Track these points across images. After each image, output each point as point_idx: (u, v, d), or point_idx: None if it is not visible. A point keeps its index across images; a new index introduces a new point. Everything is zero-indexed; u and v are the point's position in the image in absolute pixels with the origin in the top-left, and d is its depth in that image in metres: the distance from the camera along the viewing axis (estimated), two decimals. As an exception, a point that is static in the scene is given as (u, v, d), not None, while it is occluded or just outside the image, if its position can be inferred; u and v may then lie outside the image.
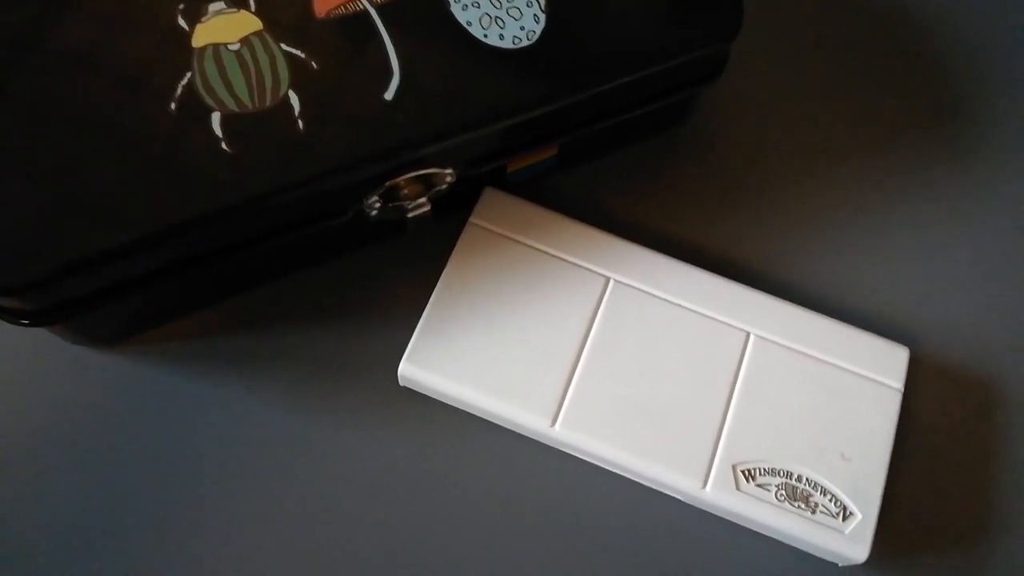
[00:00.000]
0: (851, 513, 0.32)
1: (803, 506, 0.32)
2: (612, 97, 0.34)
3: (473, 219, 0.36)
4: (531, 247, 0.36)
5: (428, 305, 0.34)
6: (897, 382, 0.34)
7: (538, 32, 0.33)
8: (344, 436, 0.35)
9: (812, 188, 0.40)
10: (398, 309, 0.36)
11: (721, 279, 0.36)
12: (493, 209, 0.36)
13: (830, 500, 0.32)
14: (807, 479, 0.33)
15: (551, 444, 0.34)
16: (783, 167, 0.40)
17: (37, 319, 0.31)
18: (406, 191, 0.33)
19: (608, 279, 0.35)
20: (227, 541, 0.33)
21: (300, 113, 0.31)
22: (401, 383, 0.34)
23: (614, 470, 0.34)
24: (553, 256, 0.36)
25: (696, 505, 0.33)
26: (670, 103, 0.36)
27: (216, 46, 0.31)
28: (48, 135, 0.30)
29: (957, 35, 0.43)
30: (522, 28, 0.33)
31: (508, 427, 0.34)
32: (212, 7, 0.32)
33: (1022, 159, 0.41)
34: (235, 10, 0.32)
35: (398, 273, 0.37)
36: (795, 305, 0.35)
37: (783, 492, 0.32)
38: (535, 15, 0.33)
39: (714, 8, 0.34)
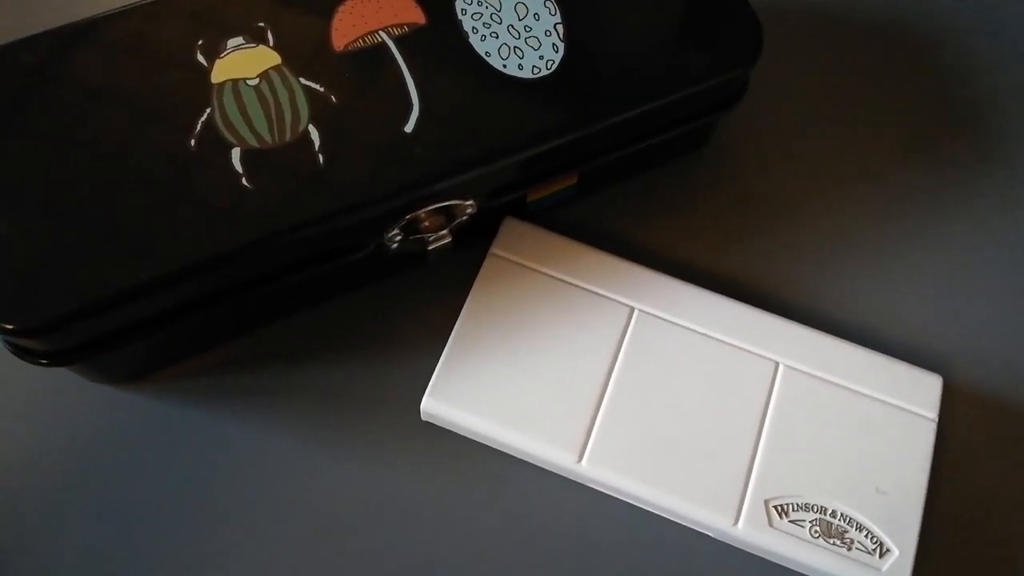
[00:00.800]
0: (888, 549, 0.31)
1: (838, 543, 0.31)
2: (632, 125, 0.34)
3: (494, 250, 0.35)
4: (553, 277, 0.35)
5: (450, 339, 0.34)
6: (931, 412, 0.33)
7: (557, 61, 0.33)
8: (365, 471, 0.34)
9: (836, 213, 0.39)
10: (419, 342, 0.36)
11: (747, 307, 0.35)
12: (514, 239, 0.36)
13: (866, 536, 0.31)
14: (842, 514, 0.32)
15: (578, 480, 0.33)
16: (806, 191, 0.40)
17: (56, 359, 0.30)
18: (427, 223, 0.33)
19: (632, 309, 0.35)
20: (245, 574, 0.32)
21: (320, 147, 0.30)
22: (423, 418, 0.34)
23: (643, 506, 0.33)
24: (576, 286, 0.35)
25: (727, 542, 0.32)
26: (690, 129, 0.36)
27: (235, 81, 0.31)
28: (67, 173, 0.30)
29: (980, 54, 0.43)
30: (541, 58, 0.33)
31: (533, 463, 0.33)
32: (231, 42, 0.32)
33: (1051, 180, 0.40)
34: (254, 45, 0.32)
35: (419, 305, 0.36)
36: (824, 333, 0.35)
37: (817, 528, 0.31)
38: (554, 44, 0.33)
39: (733, 34, 0.34)
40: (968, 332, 0.37)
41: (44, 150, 0.30)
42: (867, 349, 0.34)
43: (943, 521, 0.34)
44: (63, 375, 0.34)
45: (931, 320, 0.37)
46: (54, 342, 0.30)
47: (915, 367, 0.34)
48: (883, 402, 0.34)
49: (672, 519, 0.33)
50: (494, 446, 0.33)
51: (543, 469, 0.33)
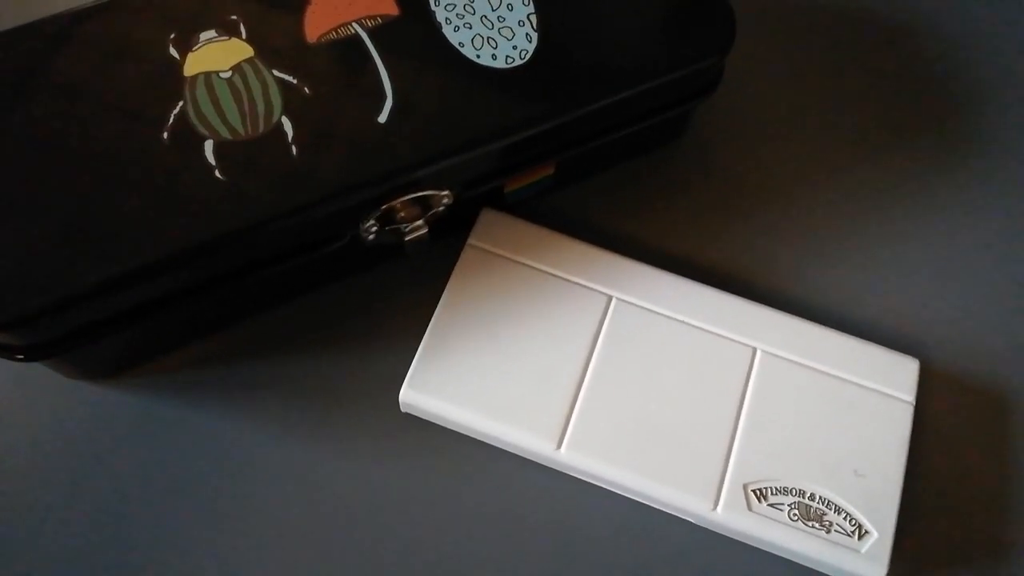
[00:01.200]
0: (867, 531, 0.31)
1: (817, 525, 0.31)
2: (607, 114, 0.34)
3: (472, 241, 0.35)
4: (531, 267, 0.35)
5: (428, 329, 0.34)
6: (908, 395, 0.34)
7: (530, 51, 0.33)
8: (345, 463, 0.34)
9: (813, 199, 0.39)
10: (397, 334, 0.36)
11: (725, 294, 0.35)
12: (492, 230, 0.36)
13: (845, 518, 0.32)
14: (820, 497, 0.32)
15: (557, 468, 0.33)
16: (783, 179, 0.40)
17: (32, 354, 0.30)
18: (403, 214, 0.33)
19: (610, 297, 0.35)
20: (227, 569, 0.32)
21: (293, 139, 0.30)
22: (403, 409, 0.34)
23: (622, 493, 0.33)
24: (554, 276, 0.35)
25: (707, 527, 0.33)
26: (666, 118, 0.36)
27: (208, 74, 0.31)
28: (38, 167, 0.30)
29: (957, 45, 0.43)
30: (514, 48, 0.33)
31: (513, 451, 0.33)
32: (203, 35, 0.32)
33: (1026, 165, 0.40)
34: (226, 38, 0.32)
35: (397, 297, 0.36)
36: (801, 319, 0.35)
37: (796, 511, 0.32)
38: (527, 34, 0.33)
39: (706, 23, 0.34)
40: (945, 316, 0.37)
41: (14, 145, 0.30)
42: (844, 334, 0.35)
43: (921, 503, 0.34)
44: (40, 371, 0.34)
45: (908, 305, 0.37)
46: (29, 336, 0.30)
47: (892, 351, 0.34)
48: (861, 386, 0.34)
49: (651, 505, 0.33)
50: (473, 436, 0.33)
51: (523, 458, 0.34)
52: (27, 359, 0.30)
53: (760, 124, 0.41)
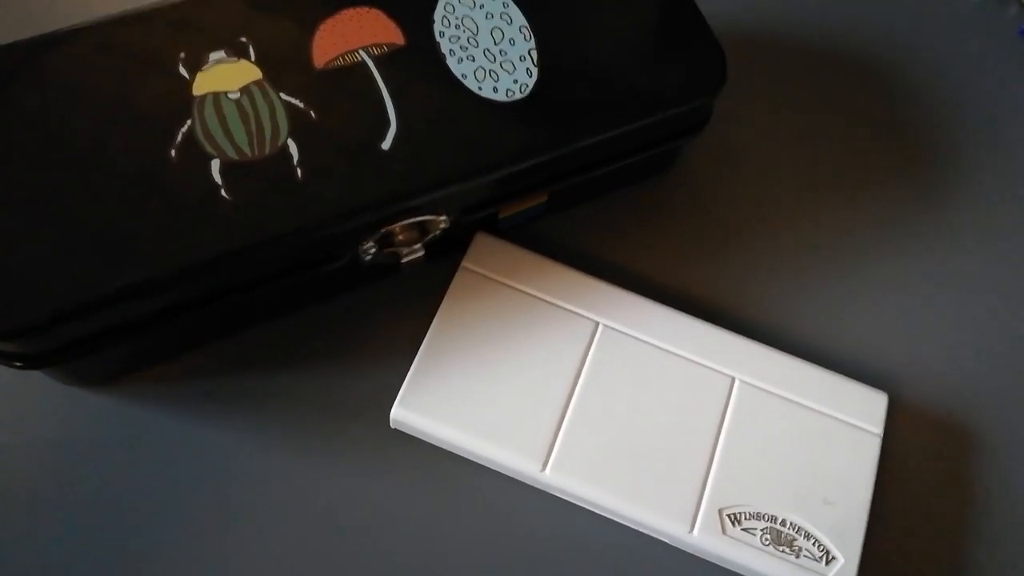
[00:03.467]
0: (834, 557, 0.33)
1: (787, 550, 0.33)
2: (600, 149, 0.35)
3: (465, 263, 0.36)
4: (522, 292, 0.36)
5: (420, 349, 0.35)
6: (876, 427, 0.35)
7: (530, 86, 0.34)
8: (335, 479, 0.35)
9: (793, 234, 0.41)
10: (390, 352, 0.37)
11: (707, 324, 0.37)
12: (485, 254, 0.37)
13: (813, 544, 0.33)
14: (791, 523, 0.33)
15: (541, 488, 0.34)
16: (765, 213, 0.42)
17: (31, 362, 0.31)
18: (401, 237, 0.34)
19: (597, 324, 0.36)
20: (215, 585, 0.33)
21: (299, 161, 0.31)
22: (393, 426, 0.35)
23: (603, 514, 0.34)
24: (544, 301, 0.36)
25: (683, 549, 0.34)
26: (656, 153, 0.38)
27: (216, 94, 0.32)
28: (47, 179, 0.30)
29: (938, 87, 0.45)
30: (515, 82, 0.34)
31: (499, 471, 0.34)
32: (213, 56, 0.33)
33: (998, 207, 0.42)
34: (236, 59, 0.33)
35: (390, 315, 0.37)
36: (778, 351, 0.36)
37: (768, 536, 0.33)
38: (528, 69, 0.34)
39: (699, 64, 0.36)
40: (913, 352, 0.39)
41: (24, 155, 0.30)
42: (818, 367, 0.36)
43: (886, 531, 0.36)
44: (36, 377, 0.35)
45: (879, 340, 0.39)
46: (30, 345, 0.30)
47: (862, 384, 0.36)
48: (832, 417, 0.35)
49: (631, 526, 0.34)
50: (462, 454, 0.35)
51: (509, 477, 0.35)
52: (26, 367, 0.31)
53: (745, 160, 0.43)
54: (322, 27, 0.34)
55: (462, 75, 0.34)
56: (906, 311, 0.40)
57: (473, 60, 0.34)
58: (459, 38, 0.34)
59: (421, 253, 0.35)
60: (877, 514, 0.35)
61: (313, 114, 0.32)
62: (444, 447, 0.35)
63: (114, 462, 0.34)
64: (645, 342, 0.36)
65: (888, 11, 0.47)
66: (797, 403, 0.35)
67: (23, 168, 0.30)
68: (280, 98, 0.32)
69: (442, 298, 0.36)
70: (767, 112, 0.44)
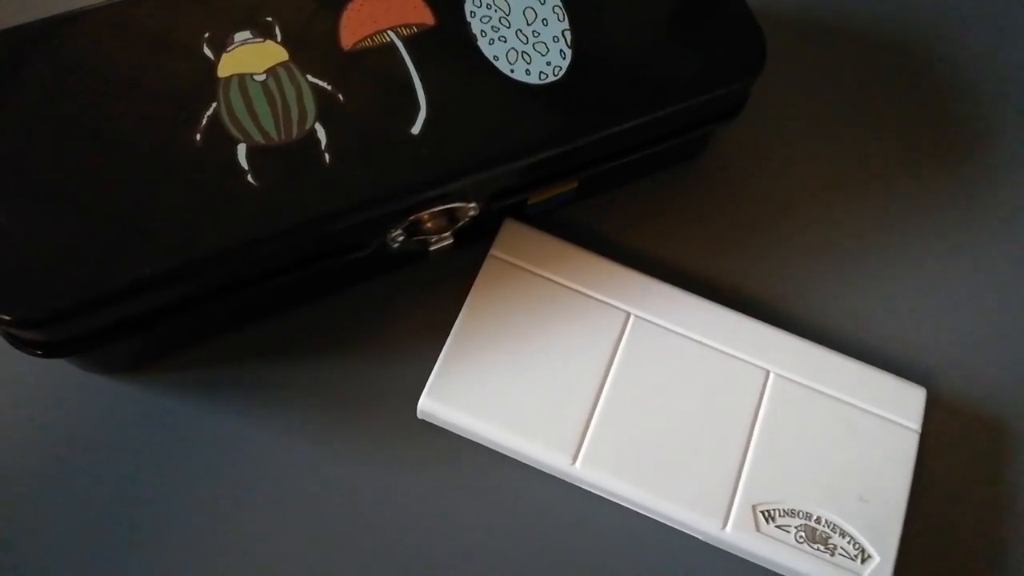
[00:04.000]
0: (869, 556, 0.32)
1: (822, 548, 0.32)
2: (635, 133, 0.34)
3: (494, 251, 0.36)
4: (552, 281, 0.35)
5: (448, 339, 0.34)
6: (914, 423, 0.34)
7: (564, 68, 0.33)
8: (361, 469, 0.34)
9: (829, 223, 0.40)
10: (417, 341, 0.36)
11: (740, 315, 0.36)
12: (513, 241, 0.36)
13: (849, 542, 0.32)
14: (826, 521, 0.33)
15: (571, 481, 0.34)
16: (800, 201, 0.40)
17: (53, 351, 0.30)
18: (429, 225, 0.33)
19: (628, 314, 0.35)
20: (238, 570, 0.32)
21: (326, 146, 0.30)
22: (420, 416, 0.34)
23: (634, 508, 0.33)
24: (574, 290, 0.35)
25: (716, 545, 0.33)
26: (691, 137, 0.36)
27: (242, 76, 0.31)
28: (69, 164, 0.29)
29: (981, 76, 0.44)
30: (548, 64, 0.33)
31: (528, 463, 0.34)
32: (238, 36, 0.32)
33: (1035, 198, 0.41)
34: (261, 40, 0.32)
35: (417, 303, 0.37)
36: (814, 343, 0.35)
37: (802, 534, 0.32)
38: (561, 51, 0.33)
39: (738, 46, 0.34)
40: (953, 345, 0.38)
41: (46, 141, 0.29)
42: (854, 360, 0.35)
43: (923, 529, 0.35)
44: (58, 365, 0.34)
45: (917, 332, 0.38)
46: (53, 334, 0.29)
47: (900, 379, 0.35)
48: (868, 412, 0.34)
49: (662, 521, 0.33)
50: (489, 446, 0.34)
51: (537, 470, 0.34)
52: (46, 355, 0.30)
53: (779, 145, 0.41)
54: (350, 7, 0.32)
55: (494, 57, 0.33)
56: (945, 303, 0.39)
57: (505, 41, 0.33)
58: (491, 18, 0.33)
59: (450, 241, 0.34)
60: (914, 512, 0.34)
61: (341, 97, 0.31)
62: (472, 439, 0.34)
63: (136, 451, 0.34)
64: (677, 333, 0.35)
65: (929, -9, 0.45)
66: (833, 397, 0.35)
67: (44, 154, 0.29)
68: (307, 80, 0.31)
69: (470, 287, 0.35)
70: (802, 94, 0.42)
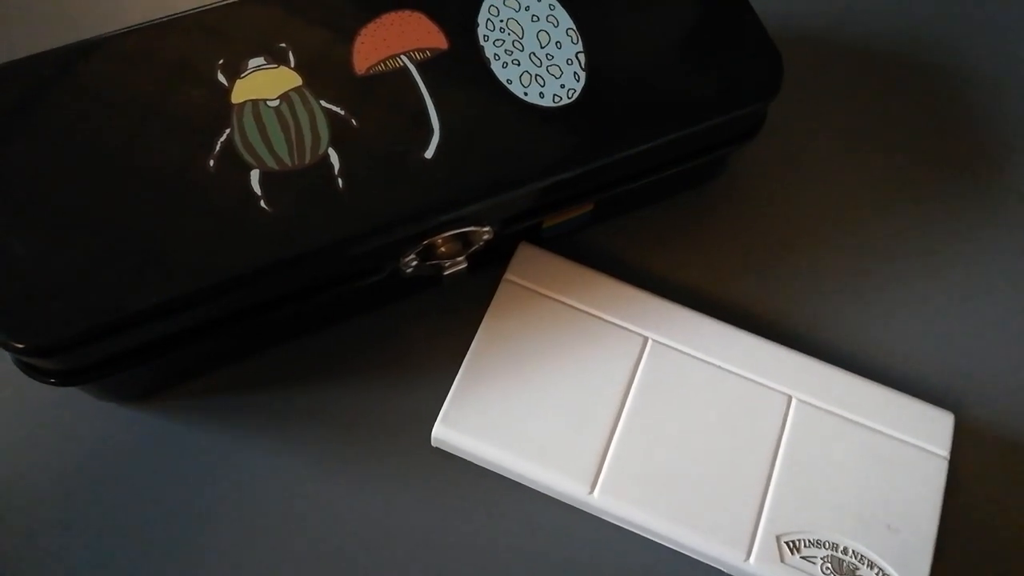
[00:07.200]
0: (900, 588, 0.31)
1: (850, 580, 0.31)
2: (650, 156, 0.34)
3: (508, 276, 0.35)
4: (568, 305, 0.35)
5: (463, 365, 0.33)
6: (943, 449, 0.33)
7: (578, 90, 0.33)
8: (374, 497, 0.34)
9: (851, 245, 0.39)
10: (431, 367, 0.35)
11: (761, 340, 0.35)
12: (528, 265, 0.35)
13: (877, 573, 0.31)
14: (853, 551, 0.32)
15: (588, 511, 0.33)
16: (820, 222, 0.40)
17: (66, 379, 0.30)
18: (443, 249, 0.33)
19: (646, 339, 0.34)
20: (252, 608, 0.32)
21: (340, 171, 0.30)
22: (434, 444, 0.33)
23: (654, 539, 0.32)
24: (590, 314, 0.35)
25: (739, 577, 0.32)
26: (708, 160, 0.36)
27: (255, 102, 0.31)
28: (83, 191, 0.29)
29: (1000, 90, 0.43)
30: (562, 86, 0.33)
31: (544, 492, 0.33)
32: (252, 62, 0.32)
33: (1061, 218, 0.40)
34: (275, 66, 0.32)
35: (431, 328, 0.36)
36: (837, 368, 0.35)
37: (829, 565, 0.31)
38: (575, 73, 0.33)
39: (754, 67, 0.34)
40: (981, 370, 0.37)
41: (60, 168, 0.29)
42: (880, 385, 0.34)
43: (954, 560, 0.34)
44: (69, 392, 0.34)
45: (944, 357, 0.37)
46: (65, 362, 0.29)
47: (928, 404, 0.34)
48: (895, 438, 0.33)
49: (683, 552, 0.32)
50: (505, 475, 0.33)
51: (554, 499, 0.33)
52: (59, 384, 0.30)
53: (798, 165, 0.41)
54: (363, 32, 0.32)
55: (507, 80, 0.32)
56: (972, 325, 0.38)
57: (519, 64, 0.33)
58: (504, 42, 0.33)
59: (464, 265, 0.34)
60: (944, 541, 0.33)
61: (354, 122, 0.31)
62: (487, 467, 0.33)
63: (149, 479, 0.33)
64: (697, 358, 0.34)
65: (946, 10, 0.45)
66: (858, 423, 0.34)
67: (58, 180, 0.29)
68: (320, 105, 0.31)
69: (485, 312, 0.34)
70: (820, 114, 0.42)
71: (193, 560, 0.32)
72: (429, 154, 0.31)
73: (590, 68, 0.33)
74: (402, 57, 0.32)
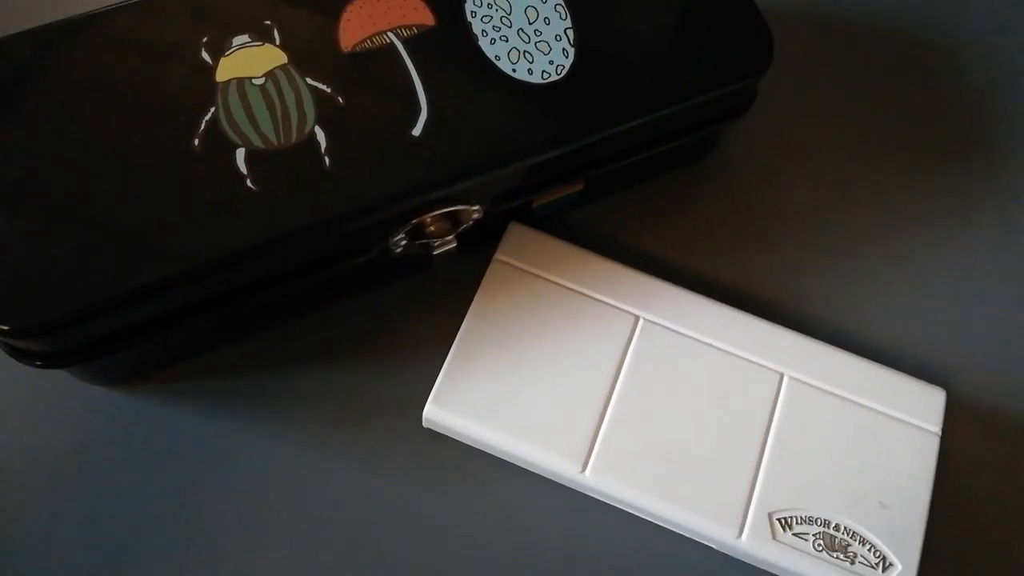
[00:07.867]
0: (891, 564, 0.31)
1: (842, 556, 0.31)
2: (640, 133, 0.33)
3: (498, 256, 0.35)
4: (558, 284, 0.35)
5: (453, 346, 0.33)
6: (934, 426, 0.33)
7: (567, 67, 0.32)
8: (366, 478, 0.34)
9: (842, 223, 0.39)
10: (421, 348, 0.35)
11: (753, 318, 0.35)
12: (519, 245, 0.35)
13: (869, 550, 0.31)
14: (845, 528, 0.32)
15: (580, 490, 0.33)
16: (812, 200, 0.40)
17: (52, 361, 0.30)
18: (432, 228, 0.32)
19: (637, 318, 0.34)
20: (244, 589, 0.32)
21: (326, 149, 0.30)
22: (425, 425, 0.33)
23: (646, 517, 0.32)
24: (581, 294, 0.35)
25: (731, 554, 0.32)
26: (698, 137, 0.36)
27: (240, 80, 0.31)
28: (67, 173, 0.29)
29: (992, 67, 0.43)
30: (551, 63, 0.32)
31: (536, 472, 0.33)
32: (236, 40, 0.31)
33: (1053, 194, 0.40)
34: (260, 43, 0.31)
35: (422, 309, 0.36)
36: (828, 345, 0.35)
37: (821, 542, 0.31)
38: (564, 49, 0.33)
39: (744, 43, 0.34)
40: (972, 346, 0.37)
41: (43, 149, 0.29)
42: (871, 362, 0.34)
43: (946, 535, 0.34)
44: (57, 376, 0.34)
45: (935, 333, 0.37)
46: (51, 344, 0.29)
47: (919, 380, 0.34)
48: (887, 415, 0.33)
49: (675, 531, 0.32)
50: (497, 455, 0.33)
51: (546, 478, 0.33)
52: (46, 366, 0.30)
53: (788, 144, 0.41)
54: (349, 8, 0.32)
55: (495, 56, 0.32)
56: (963, 302, 0.38)
57: (506, 41, 0.32)
58: (491, 18, 0.33)
59: (453, 245, 0.34)
60: (936, 518, 0.33)
61: (340, 100, 0.31)
62: (478, 447, 0.33)
63: (137, 462, 0.33)
64: (688, 336, 0.34)
65: (939, -14, 0.45)
66: (849, 400, 0.34)
67: (40, 161, 0.29)
68: (306, 83, 0.31)
69: (475, 292, 0.34)
70: (813, 92, 0.42)
71: (182, 542, 0.32)
72: (417, 132, 0.31)
73: (579, 44, 0.33)
74: (389, 34, 0.32)
